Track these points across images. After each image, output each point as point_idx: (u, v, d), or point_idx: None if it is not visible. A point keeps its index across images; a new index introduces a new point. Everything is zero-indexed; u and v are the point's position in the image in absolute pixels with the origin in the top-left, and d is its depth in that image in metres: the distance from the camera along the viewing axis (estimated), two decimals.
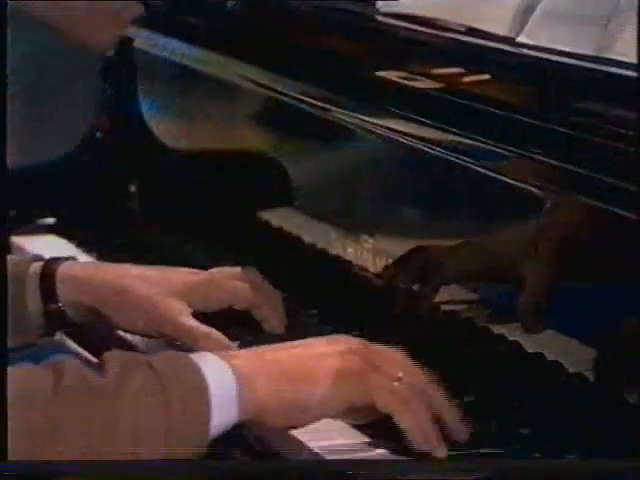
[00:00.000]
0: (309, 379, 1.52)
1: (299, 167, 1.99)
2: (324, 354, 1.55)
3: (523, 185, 1.55)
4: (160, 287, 1.85)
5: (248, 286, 1.85)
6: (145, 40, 2.27)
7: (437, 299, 1.74)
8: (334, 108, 1.83)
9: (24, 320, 1.85)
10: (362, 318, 1.78)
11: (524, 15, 1.76)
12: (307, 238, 1.96)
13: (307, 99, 1.90)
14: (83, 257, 2.10)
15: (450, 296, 1.74)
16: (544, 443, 1.50)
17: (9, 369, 1.51)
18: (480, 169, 1.61)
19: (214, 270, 1.86)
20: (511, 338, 1.62)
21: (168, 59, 2.21)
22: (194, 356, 1.52)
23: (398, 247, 1.78)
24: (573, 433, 1.48)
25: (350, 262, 1.86)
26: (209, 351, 1.66)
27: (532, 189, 1.55)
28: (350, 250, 1.85)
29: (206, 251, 2.06)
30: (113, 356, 1.51)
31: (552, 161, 1.52)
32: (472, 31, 1.80)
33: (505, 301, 1.64)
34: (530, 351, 1.59)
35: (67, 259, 1.89)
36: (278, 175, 2.00)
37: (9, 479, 1.49)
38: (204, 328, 1.81)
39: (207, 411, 1.49)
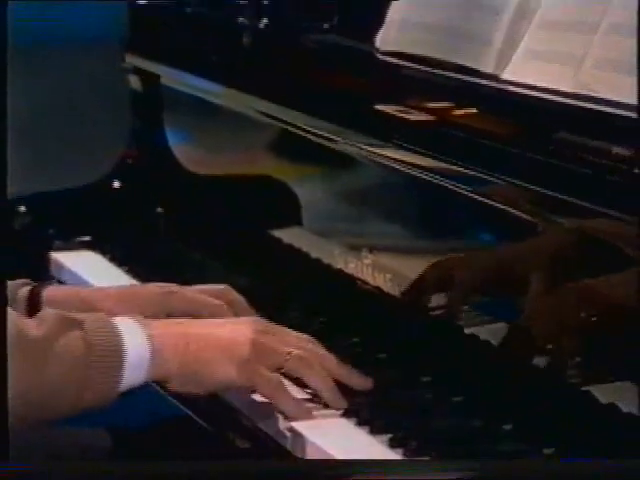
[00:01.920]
0: (208, 359, 1.55)
1: (307, 191, 1.97)
2: (227, 338, 1.57)
3: (505, 207, 1.54)
4: (130, 305, 1.81)
5: (215, 291, 1.83)
6: (170, 77, 2.25)
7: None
8: (337, 138, 1.82)
9: None
10: (360, 324, 1.78)
11: (507, 54, 1.72)
12: (314, 254, 1.94)
13: (314, 130, 1.87)
14: (115, 270, 2.09)
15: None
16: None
17: None
18: (469, 194, 1.60)
19: (192, 287, 1.85)
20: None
21: (191, 94, 2.20)
22: (119, 321, 1.55)
23: (394, 262, 1.77)
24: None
25: (351, 275, 1.84)
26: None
27: (515, 212, 1.53)
28: (352, 265, 1.84)
29: (224, 265, 2.05)
30: (50, 314, 1.53)
31: (532, 186, 1.50)
32: (461, 68, 1.76)
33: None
34: None
35: (50, 284, 1.89)
36: (288, 198, 1.98)
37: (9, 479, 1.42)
38: None
39: (120, 369, 1.51)
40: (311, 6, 2.19)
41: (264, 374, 1.55)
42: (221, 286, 1.83)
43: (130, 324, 1.56)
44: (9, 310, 1.53)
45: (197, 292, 1.82)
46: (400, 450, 1.47)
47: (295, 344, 1.60)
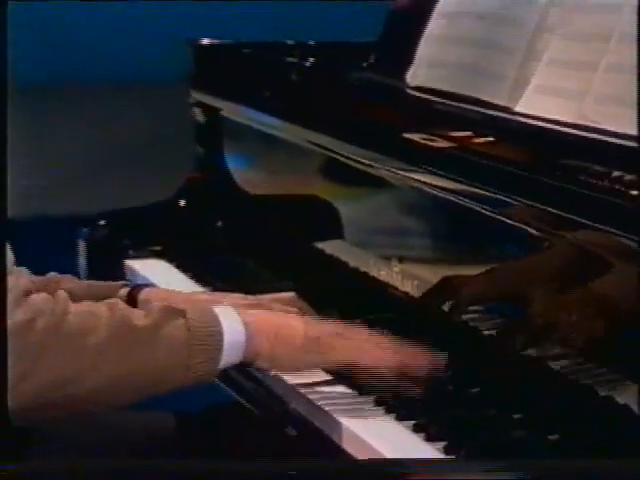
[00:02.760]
0: (292, 344, 1.56)
1: (348, 209, 1.97)
2: (309, 332, 1.57)
3: (517, 224, 1.53)
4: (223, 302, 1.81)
5: (292, 299, 1.83)
6: (229, 109, 2.24)
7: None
8: (373, 163, 1.80)
9: None
10: (390, 325, 1.72)
11: (520, 89, 1.72)
12: (352, 263, 1.93)
13: (353, 156, 1.85)
14: (180, 276, 2.09)
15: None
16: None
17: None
18: (484, 212, 1.58)
19: (266, 296, 1.84)
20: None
21: (246, 124, 2.19)
22: (218, 309, 1.56)
23: (420, 271, 1.77)
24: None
25: (384, 282, 1.83)
26: None
27: (528, 229, 1.52)
28: (383, 272, 1.83)
29: (274, 272, 2.04)
30: (155, 305, 1.54)
31: (542, 206, 1.48)
32: (479, 101, 1.76)
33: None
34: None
35: (147, 286, 1.90)
36: (332, 215, 1.97)
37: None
38: None
39: (220, 352, 1.52)
40: (350, 47, 2.21)
41: (345, 345, 1.56)
42: (290, 294, 1.84)
43: (228, 311, 1.56)
44: (119, 301, 1.57)
45: (272, 301, 1.83)
46: (422, 435, 1.45)
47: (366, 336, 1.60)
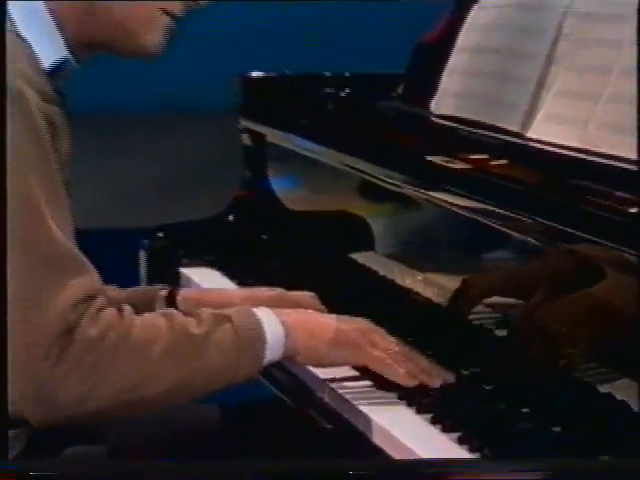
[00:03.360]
0: (327, 341, 1.57)
1: (379, 224, 1.96)
2: (340, 328, 1.58)
3: (520, 236, 1.54)
4: (251, 300, 1.80)
5: (306, 299, 1.82)
6: (273, 135, 2.24)
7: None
8: (400, 184, 1.80)
9: None
10: (412, 326, 1.75)
11: (531, 117, 1.72)
12: (381, 272, 1.93)
13: (383, 177, 1.84)
14: (229, 283, 2.08)
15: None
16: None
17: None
18: (498, 227, 1.58)
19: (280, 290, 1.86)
20: None
21: (288, 148, 2.18)
22: (258, 311, 1.56)
23: (440, 279, 1.77)
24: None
25: (408, 289, 1.84)
26: None
27: (533, 240, 1.53)
28: (408, 281, 1.83)
29: (312, 279, 2.00)
30: (206, 312, 1.53)
31: (547, 222, 1.48)
32: (494, 128, 1.76)
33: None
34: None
35: (181, 288, 1.90)
36: (364, 229, 1.97)
37: (9, 479, 1.37)
38: None
39: (264, 351, 1.52)
40: (381, 78, 2.18)
41: (373, 354, 1.57)
42: (309, 293, 1.83)
43: (268, 313, 1.57)
44: (174, 312, 1.55)
45: (289, 294, 1.83)
46: (439, 426, 1.44)
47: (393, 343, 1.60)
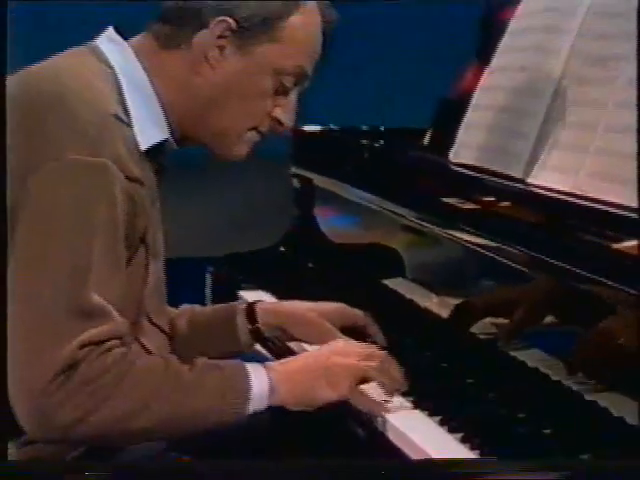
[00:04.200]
0: (312, 386, 1.49)
1: (406, 254, 1.94)
2: (323, 367, 1.50)
3: (520, 267, 1.53)
4: (316, 312, 1.77)
5: (362, 314, 1.77)
6: (318, 180, 2.24)
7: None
8: (422, 222, 1.81)
9: (236, 337, 1.78)
10: (430, 342, 1.74)
11: (531, 165, 1.71)
12: (407, 295, 1.91)
13: (409, 216, 1.85)
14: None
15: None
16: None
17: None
18: (499, 258, 1.58)
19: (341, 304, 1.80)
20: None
21: (331, 190, 2.18)
22: (249, 366, 1.48)
23: (451, 300, 1.76)
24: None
25: (425, 308, 1.83)
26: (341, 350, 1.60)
27: (524, 270, 1.53)
28: (427, 303, 1.83)
29: (350, 301, 1.89)
30: (200, 361, 1.47)
31: (537, 254, 1.49)
32: (501, 175, 1.74)
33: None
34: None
35: (261, 301, 1.84)
36: (395, 258, 1.96)
37: (9, 479, 1.34)
38: (346, 339, 1.71)
39: (247, 403, 1.45)
40: (409, 132, 2.16)
41: (351, 389, 1.49)
42: (338, 304, 1.78)
43: (257, 368, 1.49)
44: (173, 357, 1.49)
45: (347, 308, 1.77)
46: (445, 427, 1.42)
47: (369, 355, 1.53)
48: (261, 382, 1.47)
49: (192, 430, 1.45)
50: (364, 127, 2.27)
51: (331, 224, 2.26)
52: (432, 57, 2.83)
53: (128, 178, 1.44)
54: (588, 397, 1.41)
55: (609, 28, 1.65)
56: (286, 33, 1.54)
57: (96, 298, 1.38)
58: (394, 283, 1.97)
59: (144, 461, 1.51)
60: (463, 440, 1.38)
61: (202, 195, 3.12)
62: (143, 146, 1.50)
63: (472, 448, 1.37)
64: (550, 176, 1.65)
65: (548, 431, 1.39)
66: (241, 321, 1.76)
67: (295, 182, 2.32)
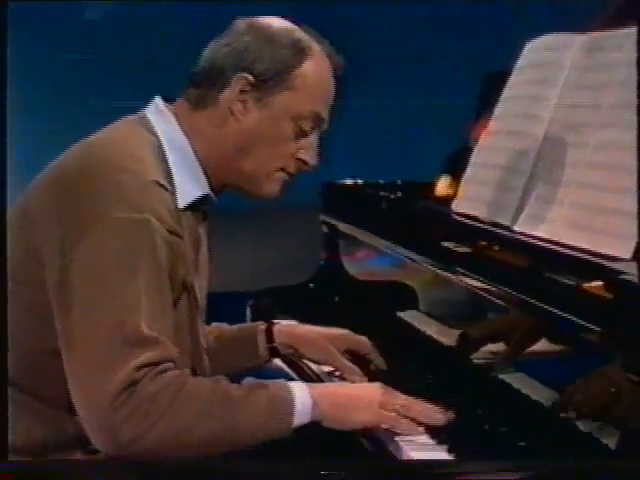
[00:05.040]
0: (350, 409, 1.48)
1: (419, 289, 1.95)
2: (362, 395, 1.49)
3: (504, 304, 1.56)
4: (323, 336, 1.78)
5: (365, 341, 1.78)
6: (343, 227, 2.24)
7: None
8: (426, 264, 1.83)
9: (257, 353, 1.80)
10: (436, 366, 1.75)
11: (517, 215, 1.72)
12: (421, 327, 1.92)
13: (416, 258, 1.87)
14: None
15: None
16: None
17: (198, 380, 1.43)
18: (489, 297, 1.60)
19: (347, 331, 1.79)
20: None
21: (353, 236, 2.18)
22: (293, 384, 1.47)
23: (456, 329, 1.76)
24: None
25: (435, 339, 1.84)
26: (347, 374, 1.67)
27: (510, 307, 1.55)
28: (439, 334, 1.83)
29: (369, 331, 1.89)
30: (249, 381, 1.50)
31: (517, 294, 1.51)
32: (488, 222, 1.77)
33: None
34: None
35: (279, 323, 1.85)
36: (409, 293, 1.96)
37: (9, 479, 1.30)
38: (344, 361, 1.75)
39: (291, 418, 1.44)
40: (422, 185, 2.16)
41: (385, 415, 1.48)
42: (345, 331, 1.77)
43: (300, 386, 1.48)
44: (222, 378, 1.45)
45: (350, 335, 1.77)
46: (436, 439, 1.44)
47: (399, 399, 1.51)
48: (303, 397, 1.46)
49: (240, 445, 1.42)
50: (381, 181, 2.26)
51: (354, 264, 2.25)
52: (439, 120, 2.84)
53: (168, 231, 1.45)
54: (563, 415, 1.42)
55: (581, 99, 1.68)
56: (299, 81, 1.53)
57: (147, 329, 1.39)
58: (409, 315, 1.98)
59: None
60: (449, 450, 1.41)
61: (245, 239, 3.13)
62: (182, 204, 1.51)
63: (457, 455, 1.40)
64: (532, 225, 1.67)
65: (522, 443, 1.42)
66: (261, 339, 1.79)
67: (324, 228, 2.32)
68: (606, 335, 1.28)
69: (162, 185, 1.49)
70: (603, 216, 1.51)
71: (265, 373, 1.84)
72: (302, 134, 1.56)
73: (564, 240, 1.57)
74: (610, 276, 1.34)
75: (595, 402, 1.35)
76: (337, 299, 2.25)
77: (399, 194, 2.15)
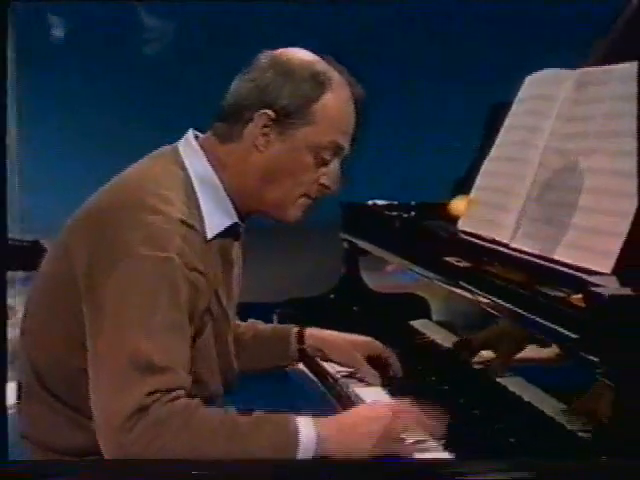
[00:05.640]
0: (354, 443, 1.43)
1: (431, 300, 1.98)
2: (365, 426, 1.43)
3: (497, 313, 1.57)
4: (349, 342, 1.80)
5: (386, 349, 1.80)
6: (362, 243, 2.26)
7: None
8: (429, 275, 1.86)
9: (287, 353, 1.82)
10: (440, 369, 1.78)
11: (515, 232, 1.75)
12: (430, 334, 1.96)
13: (423, 273, 1.89)
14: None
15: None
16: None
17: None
18: (487, 309, 1.60)
19: (370, 339, 1.82)
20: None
21: (370, 252, 2.19)
22: (300, 420, 1.42)
23: (455, 337, 1.82)
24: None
25: (440, 345, 1.88)
26: (366, 377, 1.69)
27: (499, 315, 1.58)
28: (445, 341, 1.87)
29: (383, 338, 1.90)
30: (259, 414, 1.42)
31: (511, 306, 1.52)
32: (489, 239, 1.79)
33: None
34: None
35: (310, 327, 1.86)
36: (422, 304, 2.00)
37: (9, 479, 1.27)
38: (367, 366, 1.79)
39: (295, 453, 1.40)
40: (431, 205, 2.17)
41: (390, 443, 1.43)
42: (368, 338, 1.80)
43: (308, 421, 1.43)
44: (232, 409, 1.45)
45: (373, 341, 1.79)
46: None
47: (403, 411, 1.48)
48: (309, 432, 1.41)
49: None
50: (394, 202, 2.26)
51: (371, 276, 2.27)
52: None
53: (190, 268, 1.46)
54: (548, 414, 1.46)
55: (571, 129, 1.71)
56: (318, 115, 1.52)
57: (159, 358, 1.39)
58: (421, 324, 2.01)
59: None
60: (446, 448, 1.44)
61: (273, 254, 3.14)
62: (210, 235, 1.52)
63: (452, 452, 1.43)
64: (527, 242, 1.71)
65: (513, 439, 1.45)
66: (293, 341, 1.83)
67: (344, 244, 2.34)
68: (583, 342, 1.31)
69: (188, 224, 1.49)
70: (588, 235, 1.54)
71: (289, 376, 1.88)
72: (323, 162, 1.57)
73: (554, 256, 1.60)
74: (590, 289, 1.35)
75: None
76: (355, 309, 2.27)
77: (412, 214, 2.18)
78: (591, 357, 1.28)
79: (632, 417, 1.23)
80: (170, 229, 1.46)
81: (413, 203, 2.25)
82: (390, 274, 2.16)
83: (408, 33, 3.33)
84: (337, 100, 1.56)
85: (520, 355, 1.58)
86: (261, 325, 1.88)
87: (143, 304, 1.41)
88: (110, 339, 1.40)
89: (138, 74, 4.03)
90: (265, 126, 1.54)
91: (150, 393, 1.37)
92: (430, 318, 2.00)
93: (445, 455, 1.44)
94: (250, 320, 1.86)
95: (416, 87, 3.23)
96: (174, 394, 1.40)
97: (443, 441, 1.47)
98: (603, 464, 1.27)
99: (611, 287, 1.34)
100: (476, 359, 1.72)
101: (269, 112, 1.54)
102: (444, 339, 1.86)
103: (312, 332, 1.85)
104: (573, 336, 1.34)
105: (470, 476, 1.30)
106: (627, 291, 1.34)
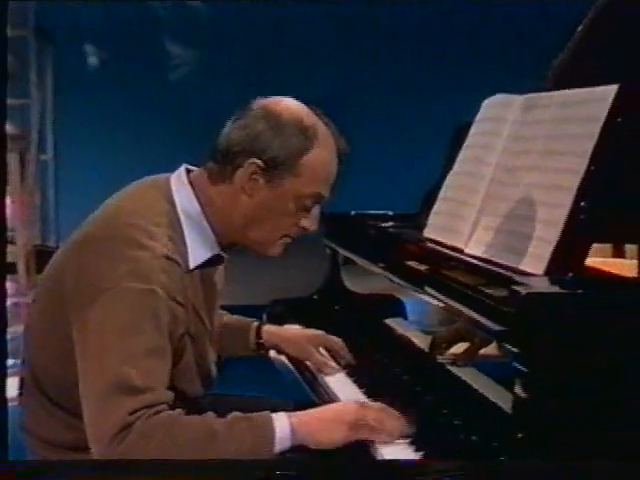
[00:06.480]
0: (326, 431, 1.46)
1: (407, 301, 1.97)
2: (335, 417, 1.47)
3: (480, 319, 1.49)
4: (301, 336, 1.86)
5: (337, 340, 1.86)
6: (342, 250, 2.26)
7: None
8: (394, 279, 1.87)
9: (248, 345, 1.86)
10: (414, 368, 1.79)
11: (469, 239, 1.79)
12: (401, 331, 1.97)
13: (390, 276, 1.90)
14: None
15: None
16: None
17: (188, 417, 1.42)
18: (443, 307, 1.64)
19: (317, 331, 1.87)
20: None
21: (349, 258, 2.22)
22: (274, 415, 1.46)
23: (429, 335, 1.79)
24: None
25: (414, 344, 1.87)
26: (324, 368, 1.73)
27: (453, 313, 1.61)
28: (420, 339, 1.85)
29: (362, 332, 2.02)
30: (233, 414, 1.44)
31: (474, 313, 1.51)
32: (449, 245, 1.83)
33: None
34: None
35: (266, 324, 1.88)
36: (397, 304, 2.00)
37: (9, 479, 1.28)
38: (318, 356, 1.83)
39: (272, 447, 1.43)
40: (408, 217, 2.17)
41: (360, 430, 1.46)
42: (319, 332, 1.85)
43: (282, 417, 1.46)
44: (211, 414, 1.43)
45: (325, 335, 1.83)
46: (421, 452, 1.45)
47: (374, 410, 1.50)
48: (283, 425, 1.44)
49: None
50: (373, 212, 2.29)
51: (351, 280, 2.29)
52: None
53: (171, 298, 1.48)
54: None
55: (517, 147, 1.76)
56: (304, 168, 1.54)
57: (139, 379, 1.40)
58: (395, 322, 2.02)
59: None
60: (413, 445, 1.46)
61: (263, 260, 3.03)
62: (192, 265, 1.54)
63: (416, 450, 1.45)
64: (478, 248, 1.76)
65: (475, 438, 1.45)
66: (252, 335, 1.88)
67: (327, 251, 2.37)
68: (504, 334, 1.34)
69: (172, 259, 1.51)
70: (526, 241, 1.59)
71: (272, 367, 1.93)
72: (304, 209, 1.59)
73: (499, 260, 1.65)
74: (512, 287, 1.39)
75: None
76: (337, 308, 2.30)
77: (390, 223, 2.20)
78: (509, 346, 1.33)
79: (543, 398, 1.29)
80: (155, 264, 1.48)
81: (391, 213, 2.29)
82: (367, 277, 2.14)
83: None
84: (323, 154, 1.57)
85: (486, 351, 1.58)
86: (228, 317, 1.89)
87: (125, 330, 1.42)
88: (94, 364, 1.42)
89: (166, 99, 4.10)
90: (254, 173, 1.56)
91: (134, 411, 1.39)
92: (405, 317, 2.01)
93: (411, 452, 1.45)
94: (219, 311, 1.84)
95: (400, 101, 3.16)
96: (156, 409, 1.42)
97: (410, 439, 1.50)
98: (578, 464, 1.27)
99: (532, 286, 1.38)
100: (445, 355, 1.71)
101: (258, 162, 1.55)
102: (416, 336, 1.89)
103: (269, 328, 1.89)
104: (497, 328, 1.38)
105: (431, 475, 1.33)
106: (547, 289, 1.38)
